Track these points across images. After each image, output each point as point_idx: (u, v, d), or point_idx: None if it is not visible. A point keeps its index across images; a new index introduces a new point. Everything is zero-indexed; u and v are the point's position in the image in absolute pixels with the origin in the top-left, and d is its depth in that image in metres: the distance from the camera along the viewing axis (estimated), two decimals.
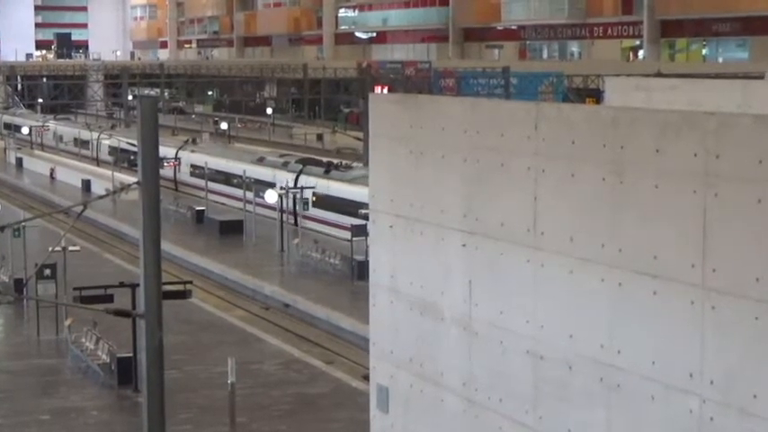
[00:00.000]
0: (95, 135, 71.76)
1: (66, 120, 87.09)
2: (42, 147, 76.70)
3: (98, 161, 67.55)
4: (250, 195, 45.23)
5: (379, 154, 9.91)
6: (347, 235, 37.59)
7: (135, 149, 63.60)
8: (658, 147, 7.18)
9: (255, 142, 73.91)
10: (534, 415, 8.34)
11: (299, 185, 44.92)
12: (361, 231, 34.44)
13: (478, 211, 8.72)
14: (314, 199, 44.32)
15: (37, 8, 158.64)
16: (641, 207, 7.32)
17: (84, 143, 74.27)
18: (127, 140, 62.07)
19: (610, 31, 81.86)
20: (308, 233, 41.16)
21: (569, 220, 7.90)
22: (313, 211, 44.21)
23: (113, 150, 64.90)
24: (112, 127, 78.12)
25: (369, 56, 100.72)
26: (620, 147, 7.45)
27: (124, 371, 24.16)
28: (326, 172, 46.21)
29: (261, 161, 51.70)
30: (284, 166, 49.23)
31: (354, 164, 48.32)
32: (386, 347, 9.93)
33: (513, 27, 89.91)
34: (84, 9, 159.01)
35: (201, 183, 51.27)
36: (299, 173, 47.13)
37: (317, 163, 49.04)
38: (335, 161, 49.49)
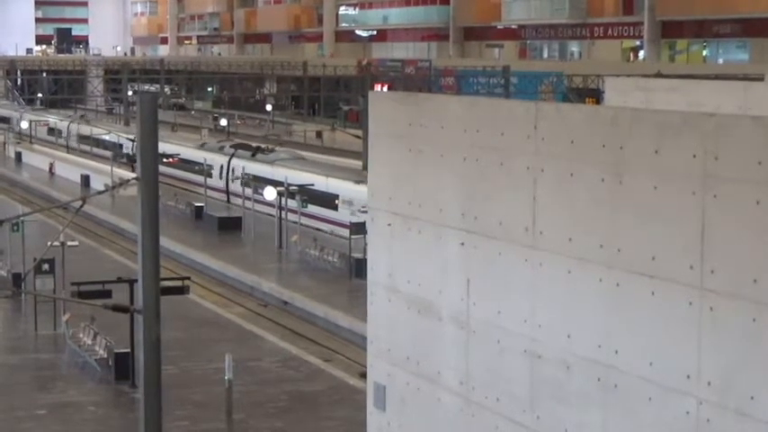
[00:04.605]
0: (65, 124, 79.18)
1: (42, 110, 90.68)
2: (21, 136, 77.94)
3: (68, 148, 74.78)
4: (192, 176, 54.93)
5: (379, 152, 9.91)
6: (269, 210, 43.20)
7: (96, 136, 71.17)
8: (658, 147, 7.18)
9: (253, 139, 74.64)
10: (531, 415, 8.34)
11: (231, 166, 52.94)
12: (360, 229, 34.55)
13: (477, 210, 8.72)
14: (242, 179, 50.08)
15: (37, 3, 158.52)
16: (640, 208, 7.32)
17: (57, 132, 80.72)
18: (91, 128, 72.86)
19: (610, 31, 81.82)
20: (307, 231, 41.19)
21: (568, 219, 7.90)
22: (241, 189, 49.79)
23: (81, 138, 74.65)
24: (81, 117, 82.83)
25: (369, 54, 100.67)
26: (620, 147, 7.45)
27: (122, 366, 24.15)
28: (253, 155, 52.39)
29: (202, 147, 58.58)
30: (220, 150, 55.89)
31: (277, 148, 54.67)
32: (383, 345, 9.93)
33: (514, 26, 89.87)
34: (85, 4, 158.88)
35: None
36: (232, 156, 53.88)
37: (248, 147, 55.08)
38: (263, 146, 55.79)
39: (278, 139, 67.48)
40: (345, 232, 38.52)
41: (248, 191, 44.85)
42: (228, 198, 52.29)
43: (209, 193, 51.56)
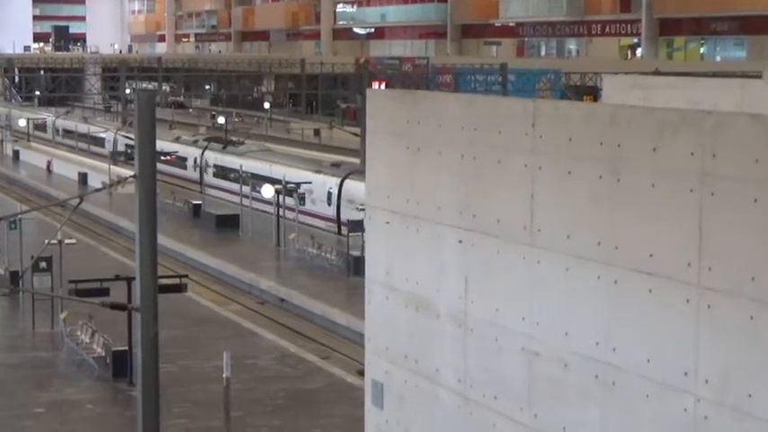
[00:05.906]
0: (53, 119, 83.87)
1: (30, 107, 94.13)
2: (11, 130, 78.56)
3: (54, 142, 78.14)
4: (169, 168, 56.97)
5: (376, 150, 9.90)
6: (233, 198, 46.55)
7: (74, 130, 72.11)
8: (655, 145, 7.18)
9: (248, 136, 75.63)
10: (529, 412, 8.33)
11: (204, 158, 56.89)
12: (358, 227, 34.57)
13: (475, 208, 8.72)
14: (214, 170, 55.50)
15: (35, 0, 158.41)
16: (638, 205, 7.32)
17: (45, 128, 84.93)
18: (72, 122, 79.24)
19: (608, 28, 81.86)
20: (305, 229, 41.20)
21: (566, 217, 7.90)
22: (214, 181, 55.36)
23: (66, 132, 79.31)
24: (67, 113, 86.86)
25: (366, 52, 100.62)
26: (618, 145, 7.45)
27: (119, 364, 24.14)
28: (224, 148, 56.00)
29: (177, 140, 61.51)
30: (194, 143, 59.58)
31: (247, 141, 58.62)
32: (381, 343, 9.92)
33: (512, 24, 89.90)
34: (83, 2, 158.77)
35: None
36: (205, 149, 57.58)
37: (220, 140, 59.20)
38: (234, 138, 59.92)
39: (248, 133, 72.37)
40: (306, 219, 42.59)
41: (222, 182, 49.57)
42: (202, 188, 55.99)
43: (184, 183, 55.93)
